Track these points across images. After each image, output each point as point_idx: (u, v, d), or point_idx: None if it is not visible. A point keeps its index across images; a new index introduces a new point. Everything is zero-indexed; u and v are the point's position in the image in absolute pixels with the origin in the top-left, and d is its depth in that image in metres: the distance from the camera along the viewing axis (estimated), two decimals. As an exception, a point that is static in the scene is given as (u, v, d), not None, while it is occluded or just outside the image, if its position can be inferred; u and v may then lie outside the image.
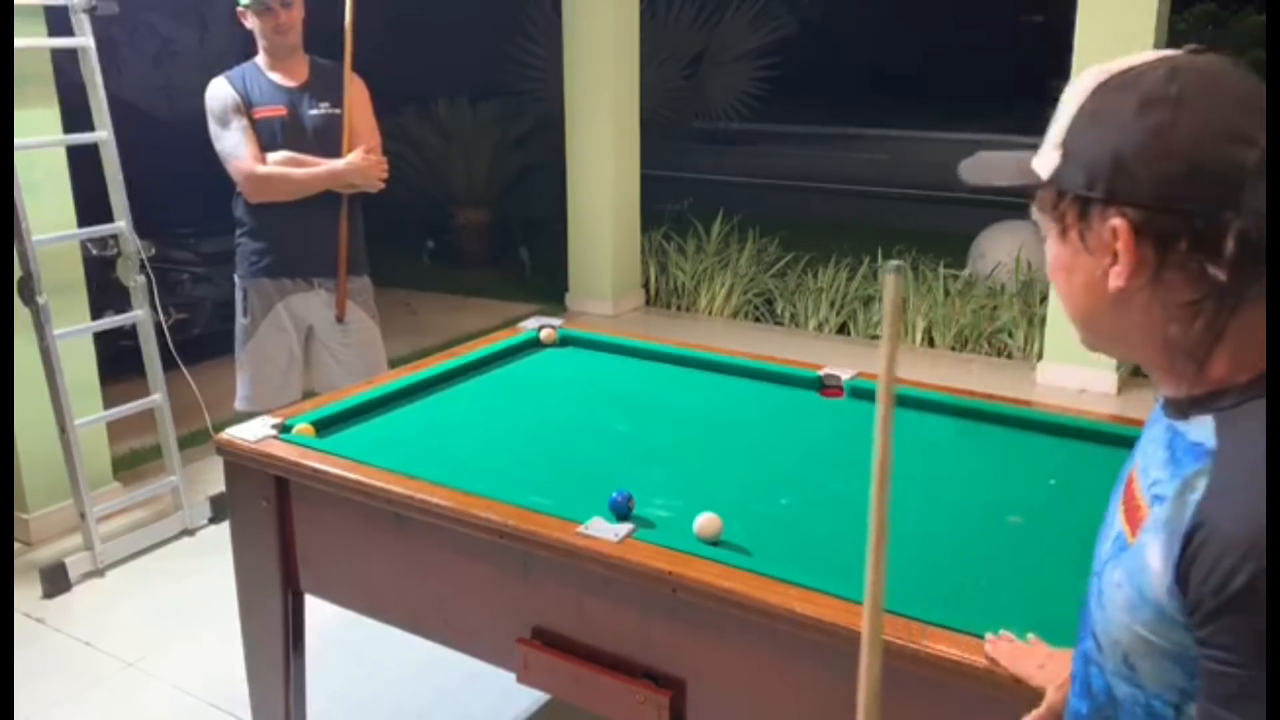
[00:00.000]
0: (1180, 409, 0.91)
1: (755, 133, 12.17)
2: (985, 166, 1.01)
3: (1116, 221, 0.87)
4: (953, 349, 5.83)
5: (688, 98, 8.43)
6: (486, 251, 7.92)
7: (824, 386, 2.59)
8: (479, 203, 7.93)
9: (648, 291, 6.88)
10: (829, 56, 15.81)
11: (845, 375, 2.58)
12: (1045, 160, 0.93)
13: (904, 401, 2.45)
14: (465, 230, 7.93)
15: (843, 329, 6.16)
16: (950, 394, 2.50)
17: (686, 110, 8.61)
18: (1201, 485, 0.84)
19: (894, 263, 0.92)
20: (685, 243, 6.94)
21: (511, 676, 1.95)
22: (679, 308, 6.75)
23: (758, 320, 6.49)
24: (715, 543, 1.78)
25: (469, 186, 7.88)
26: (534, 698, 2.68)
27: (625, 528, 1.81)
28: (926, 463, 2.20)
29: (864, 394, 2.54)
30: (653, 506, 1.92)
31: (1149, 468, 0.93)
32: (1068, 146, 0.91)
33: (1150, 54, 0.90)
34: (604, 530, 1.81)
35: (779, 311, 6.43)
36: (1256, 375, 0.87)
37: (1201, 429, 0.88)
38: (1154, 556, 0.86)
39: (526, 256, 7.56)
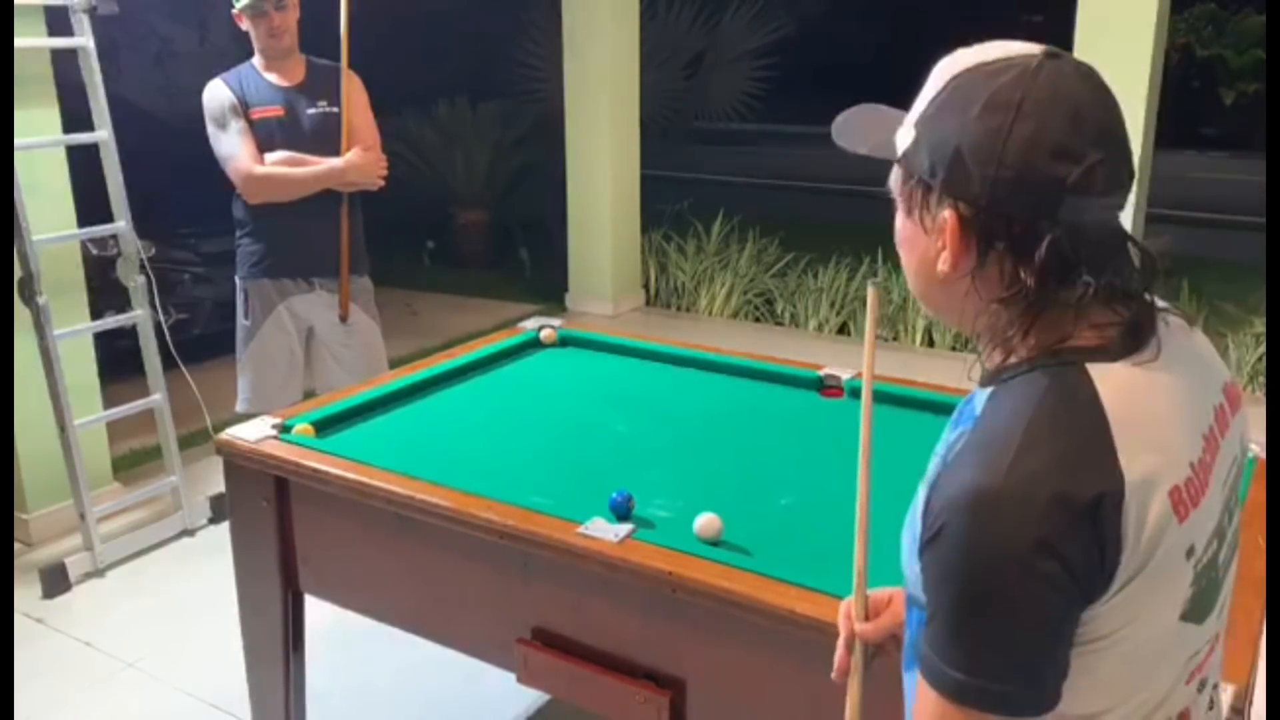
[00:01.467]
0: (985, 379, 0.97)
1: (755, 133, 12.16)
2: (854, 129, 1.04)
3: (947, 213, 0.92)
4: (953, 349, 5.83)
5: (688, 98, 8.42)
6: (486, 252, 7.92)
7: (824, 386, 2.59)
8: (479, 203, 7.92)
9: (648, 291, 6.88)
10: (829, 56, 15.81)
11: (845, 375, 2.58)
12: (903, 136, 0.97)
13: (904, 401, 2.45)
14: (465, 230, 7.93)
15: (843, 329, 6.17)
16: (950, 394, 2.49)
17: (686, 110, 8.60)
18: (958, 446, 0.91)
19: (875, 278, 1.00)
20: (685, 243, 6.94)
21: (511, 676, 1.95)
22: (679, 308, 6.75)
23: (758, 320, 6.49)
24: (715, 543, 1.78)
25: (469, 187, 7.88)
26: (534, 698, 2.68)
27: (625, 528, 1.81)
28: (926, 463, 2.20)
29: (864, 394, 2.53)
30: (653, 507, 1.92)
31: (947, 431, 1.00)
32: (920, 129, 0.95)
33: (1013, 49, 0.92)
34: (604, 530, 1.81)
35: (779, 312, 6.43)
36: (1040, 352, 0.91)
37: (983, 397, 0.94)
38: (917, 506, 0.94)
39: (526, 257, 7.56)
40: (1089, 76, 0.92)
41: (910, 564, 0.95)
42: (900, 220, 0.99)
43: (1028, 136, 0.87)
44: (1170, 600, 0.90)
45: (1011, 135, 0.87)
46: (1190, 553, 0.90)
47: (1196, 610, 0.93)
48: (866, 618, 1.15)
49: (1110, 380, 0.88)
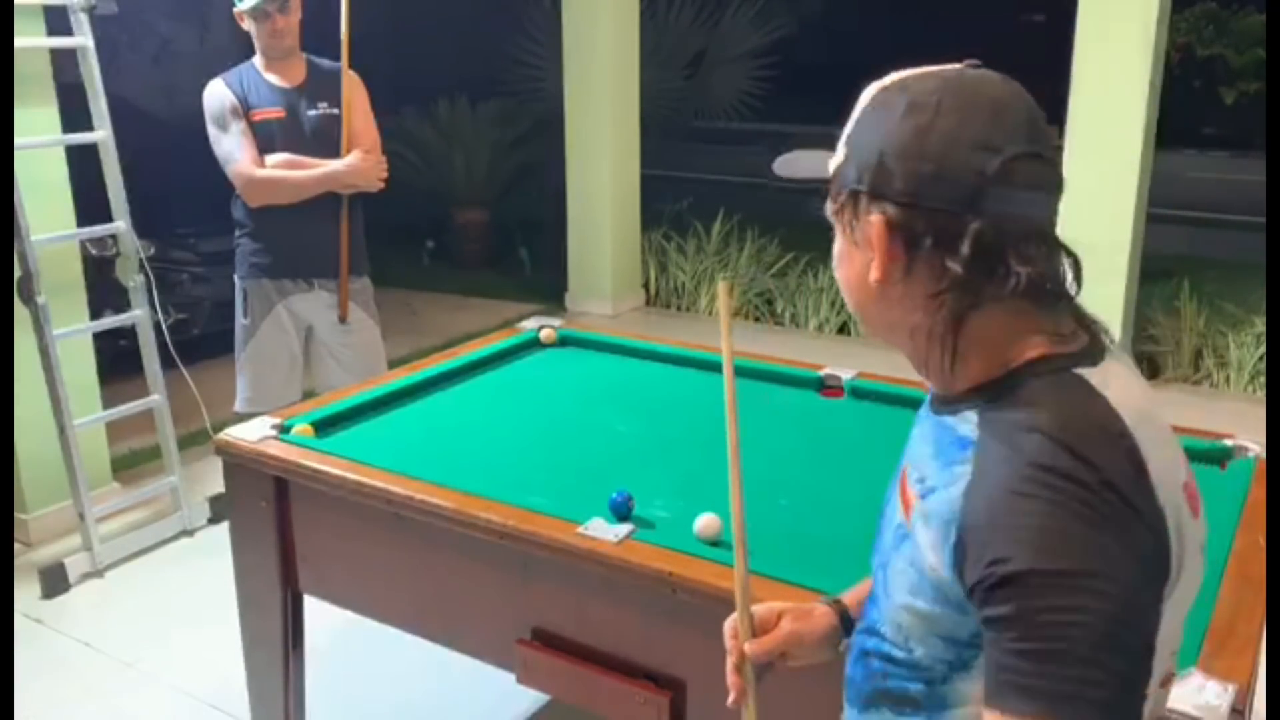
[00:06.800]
0: (948, 404, 0.97)
1: (755, 133, 12.16)
2: (794, 163, 1.08)
3: (874, 217, 0.93)
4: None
5: (688, 98, 8.42)
6: (486, 251, 7.91)
7: (824, 386, 2.59)
8: (479, 203, 7.92)
9: (648, 291, 6.87)
10: (829, 56, 15.80)
11: (845, 375, 2.58)
12: (836, 157, 0.99)
13: (905, 401, 2.45)
14: (465, 230, 7.93)
15: (843, 329, 6.16)
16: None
17: (686, 110, 8.60)
18: (966, 475, 0.89)
19: (726, 274, 1.00)
20: (685, 243, 6.94)
21: (511, 677, 1.95)
22: (679, 308, 6.75)
23: (758, 320, 6.49)
24: (715, 543, 1.78)
25: (469, 186, 7.87)
26: (534, 698, 2.68)
27: (625, 528, 1.81)
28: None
29: (864, 394, 2.53)
30: (653, 507, 1.92)
31: (918, 463, 0.99)
32: (849, 144, 0.97)
33: (934, 68, 0.96)
34: (604, 531, 1.81)
35: (779, 311, 6.43)
36: (1009, 371, 0.92)
37: (966, 423, 0.93)
38: (928, 544, 0.91)
39: (526, 256, 7.56)
40: (1010, 82, 0.94)
41: (940, 613, 0.91)
42: (837, 241, 1.01)
43: (947, 131, 0.89)
44: (1188, 599, 0.92)
45: (931, 131, 0.89)
46: (1203, 549, 0.91)
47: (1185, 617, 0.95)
48: (754, 634, 1.17)
49: (1104, 380, 0.90)
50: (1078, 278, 0.94)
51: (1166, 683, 0.98)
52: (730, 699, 1.16)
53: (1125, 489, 0.83)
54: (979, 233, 0.88)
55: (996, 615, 0.84)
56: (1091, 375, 0.90)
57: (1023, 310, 0.91)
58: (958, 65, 0.95)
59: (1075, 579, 0.80)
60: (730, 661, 1.16)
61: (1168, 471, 0.88)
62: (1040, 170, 0.91)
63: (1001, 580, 0.83)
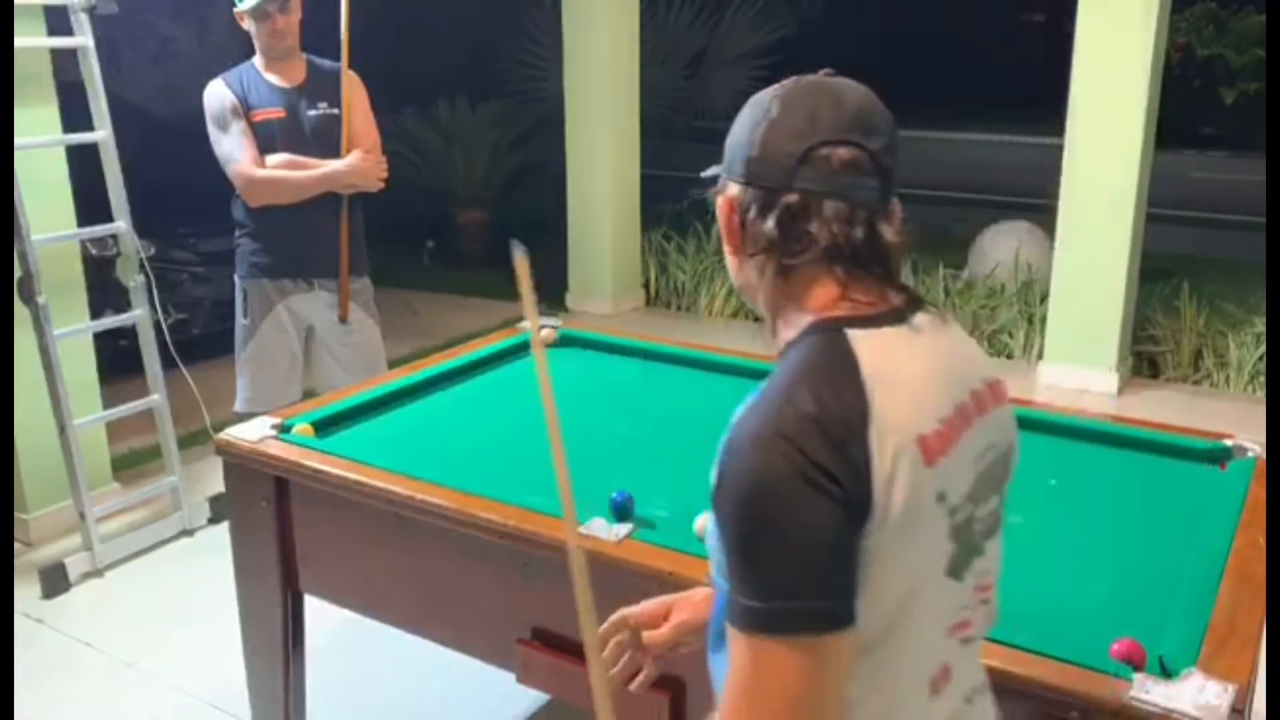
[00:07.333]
0: (780, 354, 1.11)
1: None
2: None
3: (720, 198, 1.11)
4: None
5: (688, 98, 8.42)
6: (486, 251, 7.91)
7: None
8: (479, 203, 7.92)
9: (648, 291, 6.87)
10: (829, 56, 15.76)
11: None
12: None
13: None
14: (465, 230, 7.92)
15: (843, 329, 6.16)
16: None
17: (686, 110, 8.59)
18: (742, 411, 1.02)
19: (518, 247, 1.22)
20: (685, 243, 6.94)
21: (511, 676, 1.95)
22: (679, 308, 6.75)
23: (758, 320, 6.46)
24: (715, 543, 1.78)
25: (469, 186, 7.87)
26: (534, 698, 2.68)
27: (625, 528, 1.81)
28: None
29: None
30: (653, 506, 1.92)
31: None
32: (725, 144, 1.13)
33: (795, 77, 1.11)
34: (604, 530, 1.81)
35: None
36: (802, 331, 1.07)
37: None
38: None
39: (526, 256, 7.55)
40: (854, 87, 1.09)
41: (712, 541, 1.04)
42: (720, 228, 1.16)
43: (772, 124, 1.06)
44: (932, 548, 1.02)
45: (761, 124, 1.07)
46: (942, 498, 1.01)
47: (957, 568, 1.05)
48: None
49: (867, 341, 1.02)
50: (888, 254, 1.06)
51: (957, 630, 1.08)
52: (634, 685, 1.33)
53: (831, 429, 0.95)
54: (788, 204, 1.04)
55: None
56: (868, 335, 1.03)
57: (827, 277, 1.06)
58: (815, 75, 1.11)
59: (746, 502, 0.95)
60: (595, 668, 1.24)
61: (902, 422, 0.98)
62: (853, 156, 1.04)
63: (711, 498, 0.99)
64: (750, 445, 0.96)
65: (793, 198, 1.04)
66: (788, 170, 1.04)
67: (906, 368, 1.03)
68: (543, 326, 2.96)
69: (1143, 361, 5.46)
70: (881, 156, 1.05)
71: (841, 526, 0.94)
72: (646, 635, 1.31)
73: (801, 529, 0.94)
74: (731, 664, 0.97)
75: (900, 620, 1.00)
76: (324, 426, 2.33)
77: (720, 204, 1.11)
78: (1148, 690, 1.36)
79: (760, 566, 0.94)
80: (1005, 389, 1.15)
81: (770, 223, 1.05)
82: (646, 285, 6.87)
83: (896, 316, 1.06)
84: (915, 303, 1.09)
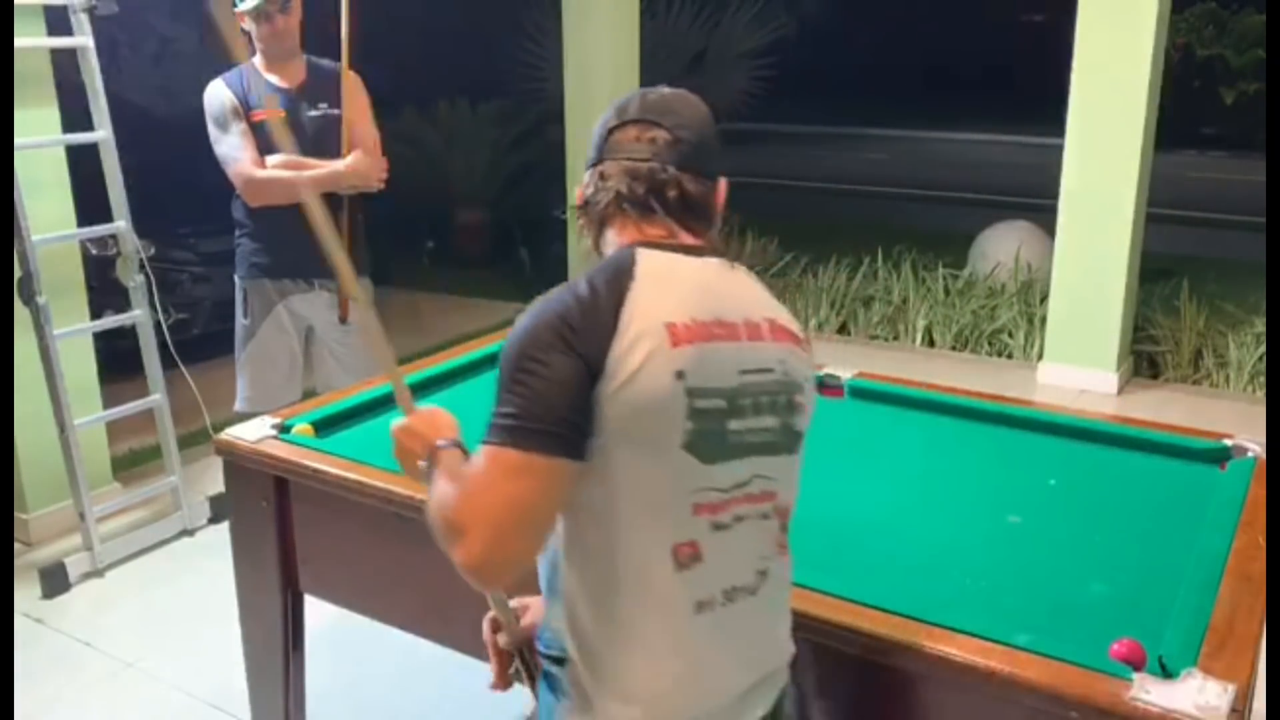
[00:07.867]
0: None
1: (755, 133, 12.16)
2: None
3: (586, 175, 1.39)
4: (953, 349, 5.83)
5: (688, 98, 8.43)
6: (486, 251, 7.91)
7: (824, 386, 2.58)
8: (479, 203, 7.92)
9: (647, 291, 6.86)
10: (829, 56, 15.78)
11: (845, 375, 2.57)
12: None
13: (905, 401, 2.45)
14: (465, 230, 7.92)
15: (843, 329, 6.16)
16: (950, 394, 2.49)
17: (686, 110, 8.60)
18: None
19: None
20: (685, 242, 6.92)
21: (511, 677, 1.94)
22: (679, 308, 6.74)
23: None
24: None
25: (469, 186, 7.87)
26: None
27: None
28: (926, 462, 2.20)
29: (864, 394, 2.53)
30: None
31: None
32: None
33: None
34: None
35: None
36: (620, 246, 1.33)
37: None
38: None
39: (526, 256, 7.56)
40: (672, 90, 1.40)
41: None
42: None
43: (602, 120, 1.38)
44: (665, 417, 1.21)
45: (598, 124, 1.39)
46: (680, 376, 1.21)
47: (701, 449, 1.23)
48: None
49: (649, 255, 1.28)
50: (686, 205, 1.33)
51: (704, 511, 1.26)
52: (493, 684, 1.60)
53: (589, 304, 1.21)
54: (600, 171, 1.35)
55: None
56: (651, 252, 1.29)
57: (624, 219, 1.34)
58: (665, 88, 1.40)
59: (514, 347, 1.23)
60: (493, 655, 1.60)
61: (653, 308, 1.22)
62: (642, 131, 1.33)
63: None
64: (529, 314, 1.24)
65: (604, 164, 1.35)
66: (599, 147, 1.37)
67: (673, 275, 1.27)
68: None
69: (1143, 361, 5.46)
70: (677, 130, 1.33)
71: (582, 376, 1.18)
72: (502, 638, 1.65)
73: (549, 369, 1.18)
74: (473, 468, 1.22)
75: (627, 468, 1.21)
76: (324, 426, 2.33)
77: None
78: (1147, 691, 1.36)
79: (515, 395, 1.19)
80: (792, 332, 1.36)
81: (591, 188, 1.36)
82: (646, 285, 6.86)
83: (685, 249, 1.32)
84: (712, 250, 1.35)
